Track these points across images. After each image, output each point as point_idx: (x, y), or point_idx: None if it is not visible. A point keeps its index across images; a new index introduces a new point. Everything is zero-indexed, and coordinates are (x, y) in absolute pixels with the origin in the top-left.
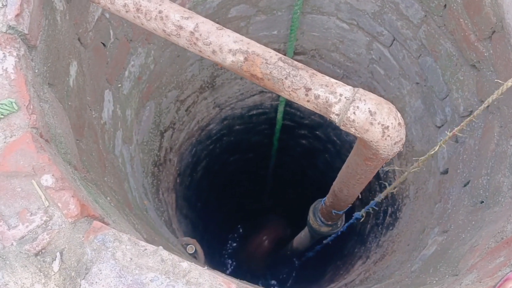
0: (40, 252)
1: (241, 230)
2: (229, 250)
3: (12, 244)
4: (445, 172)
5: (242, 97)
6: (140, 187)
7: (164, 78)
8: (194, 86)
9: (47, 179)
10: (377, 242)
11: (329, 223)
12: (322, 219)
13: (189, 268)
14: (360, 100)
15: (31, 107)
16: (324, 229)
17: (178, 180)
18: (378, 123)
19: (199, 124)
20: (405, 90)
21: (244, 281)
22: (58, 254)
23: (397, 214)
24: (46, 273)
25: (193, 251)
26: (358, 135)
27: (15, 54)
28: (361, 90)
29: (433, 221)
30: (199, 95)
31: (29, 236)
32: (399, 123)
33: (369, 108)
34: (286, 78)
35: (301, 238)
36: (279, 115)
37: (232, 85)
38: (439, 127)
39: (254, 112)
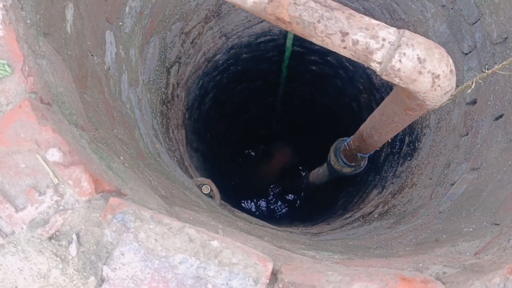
0: (54, 235)
1: (250, 155)
2: (240, 176)
3: (22, 228)
4: (473, 102)
5: (250, 24)
6: (150, 130)
7: (167, 10)
8: (199, 16)
9: (54, 154)
10: (394, 172)
11: (352, 164)
12: (345, 160)
13: (220, 247)
14: (407, 45)
15: (26, 68)
16: (347, 170)
17: (186, 115)
18: (428, 72)
19: (205, 56)
20: (429, 13)
21: (267, 225)
22: (74, 236)
23: (416, 144)
24: (63, 257)
25: (209, 191)
26: (403, 85)
27: (1, 5)
28: (407, 33)
29: (459, 155)
30: (205, 25)
31: (40, 218)
32: (451, 71)
33: (417, 55)
34: (318, 21)
35: (319, 174)
36: (289, 42)
37: (239, 12)
38: (466, 54)
39: (262, 39)
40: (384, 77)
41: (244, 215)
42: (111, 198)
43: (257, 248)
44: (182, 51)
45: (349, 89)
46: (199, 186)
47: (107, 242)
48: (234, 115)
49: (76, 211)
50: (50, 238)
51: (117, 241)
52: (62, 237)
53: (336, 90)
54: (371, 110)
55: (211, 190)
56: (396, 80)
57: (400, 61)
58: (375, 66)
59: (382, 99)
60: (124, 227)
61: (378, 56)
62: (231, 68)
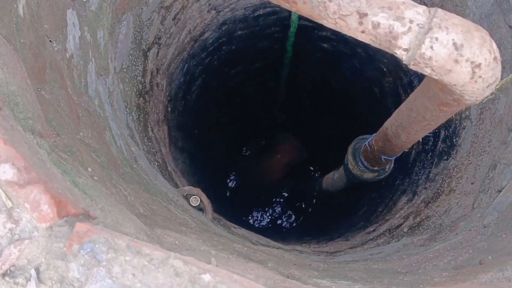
0: (9, 271)
1: (250, 153)
2: (237, 178)
3: None
4: None
5: None
6: (125, 129)
7: None
8: None
9: (6, 171)
10: (427, 174)
11: (375, 168)
12: (366, 163)
13: (213, 282)
14: (439, 27)
15: None
16: (368, 175)
17: (169, 108)
18: (466, 60)
19: (191, 34)
20: None
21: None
22: (33, 272)
23: (454, 140)
24: None
25: (198, 203)
26: (436, 77)
27: None
28: (440, 12)
29: (507, 154)
30: None
31: None
32: (494, 58)
33: (453, 40)
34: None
35: (334, 180)
36: (294, 15)
37: None
38: None
39: (261, 12)
40: (412, 67)
41: (243, 231)
42: (77, 224)
43: (259, 281)
44: (162, 30)
45: (369, 71)
46: (186, 197)
47: (74, 278)
48: (228, 105)
49: (35, 241)
50: (3, 275)
51: (86, 278)
52: (19, 273)
53: (353, 72)
54: (397, 97)
55: (200, 201)
56: (427, 71)
57: (431, 47)
58: (400, 54)
59: (411, 83)
60: (95, 259)
61: (404, 42)
62: (223, 48)
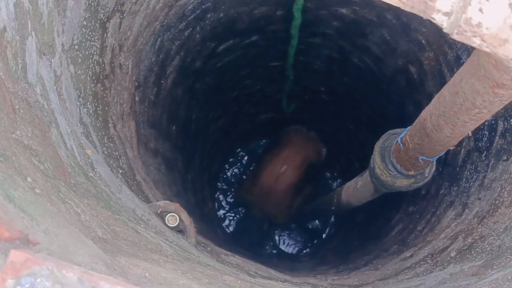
0: None
1: (244, 156)
2: (229, 190)
3: None
4: None
5: None
6: (77, 126)
7: None
8: None
9: None
10: (481, 180)
11: (411, 173)
12: (398, 166)
13: None
14: None
15: None
16: (402, 182)
17: (137, 97)
18: None
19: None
20: None
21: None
22: None
23: None
24: None
25: (177, 222)
26: (487, 49)
27: None
28: None
29: None
30: None
31: None
32: None
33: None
34: None
35: (357, 189)
36: None
37: None
38: None
39: None
40: (455, 37)
41: (237, 259)
42: (12, 252)
43: None
44: None
45: (403, 44)
46: (161, 215)
47: None
48: (217, 92)
49: None
50: None
51: None
52: None
53: (381, 46)
54: (440, 78)
55: (180, 220)
56: (475, 42)
57: (480, 10)
58: (440, 19)
59: (458, 59)
60: None
61: (444, 3)
62: (208, 16)
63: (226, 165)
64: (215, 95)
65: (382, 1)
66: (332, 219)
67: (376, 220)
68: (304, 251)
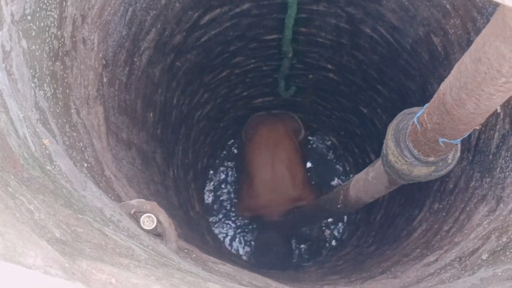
0: None
1: (235, 150)
2: (220, 187)
3: None
4: None
5: None
6: (32, 112)
7: None
8: None
9: None
10: None
11: (431, 159)
12: (416, 152)
13: None
14: None
15: None
16: (421, 170)
17: (105, 78)
18: None
19: None
20: None
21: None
22: None
23: None
24: None
25: (154, 224)
26: None
27: None
28: None
29: None
30: None
31: None
32: None
33: None
34: None
35: (368, 182)
36: None
37: None
38: None
39: None
40: None
41: (227, 267)
42: None
43: None
44: None
45: (425, 9)
46: (135, 216)
47: None
48: (202, 71)
49: None
50: None
51: None
52: None
53: (398, 12)
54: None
55: (158, 222)
56: None
57: None
58: None
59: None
60: None
61: None
62: None
63: (217, 160)
64: (200, 76)
65: None
66: (344, 223)
67: (395, 220)
68: (311, 261)
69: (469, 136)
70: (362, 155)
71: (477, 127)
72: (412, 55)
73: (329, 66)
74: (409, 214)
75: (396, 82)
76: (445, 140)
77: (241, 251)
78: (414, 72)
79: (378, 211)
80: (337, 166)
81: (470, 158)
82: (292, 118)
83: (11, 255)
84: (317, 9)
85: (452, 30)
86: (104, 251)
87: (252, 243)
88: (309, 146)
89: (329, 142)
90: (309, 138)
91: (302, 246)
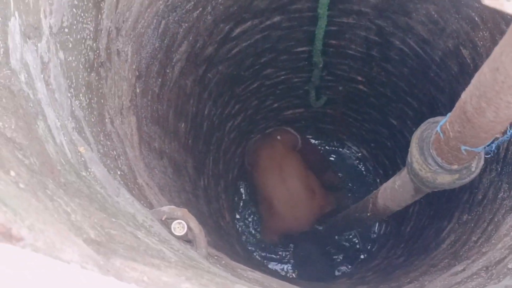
0: None
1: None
2: (250, 196)
3: None
4: None
5: None
6: (68, 120)
7: None
8: None
9: None
10: None
11: (454, 167)
12: (440, 160)
13: None
14: None
15: None
16: (444, 178)
17: (138, 89)
18: None
19: None
20: None
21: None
22: None
23: None
24: None
25: (184, 231)
26: None
27: None
28: None
29: None
30: None
31: None
32: None
33: None
34: None
35: (395, 190)
36: None
37: None
38: None
39: None
40: (486, 2)
41: (256, 275)
42: None
43: None
44: None
45: (453, 22)
46: (166, 223)
47: None
48: (233, 82)
49: None
50: None
51: None
52: None
53: (428, 25)
54: None
55: (188, 229)
56: (509, 8)
57: None
58: None
59: None
60: None
61: None
62: None
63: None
64: (231, 87)
65: None
66: (374, 233)
67: (424, 231)
68: (340, 271)
69: (498, 147)
70: (392, 167)
71: (499, 135)
72: (442, 67)
73: (359, 78)
74: (438, 225)
75: (426, 94)
76: (467, 148)
77: (279, 268)
78: (444, 84)
79: (408, 223)
80: (368, 178)
81: (499, 169)
82: (286, 131)
83: (50, 250)
84: (347, 22)
85: (481, 43)
86: (137, 252)
87: (290, 259)
88: (339, 157)
89: (360, 154)
90: (340, 150)
91: (336, 256)
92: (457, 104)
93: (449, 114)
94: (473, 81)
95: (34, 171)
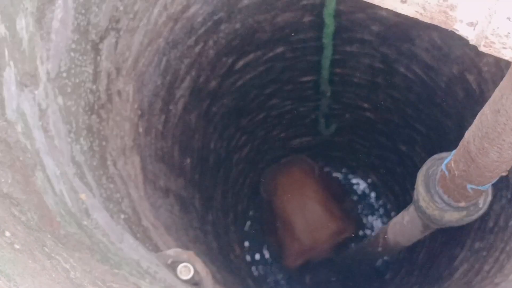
0: None
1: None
2: (258, 232)
3: None
4: None
5: None
6: (69, 167)
7: None
8: None
9: None
10: None
11: (461, 204)
12: (446, 197)
13: None
14: None
15: None
16: (452, 215)
17: (140, 128)
18: None
19: (167, 11)
20: None
21: None
22: None
23: None
24: None
25: (191, 274)
26: None
27: None
28: None
29: None
30: None
31: None
32: None
33: None
34: None
35: (403, 225)
36: None
37: None
38: None
39: None
40: (483, 49)
41: None
42: None
43: None
44: (121, 8)
45: (457, 48)
46: (172, 266)
47: None
48: (238, 114)
49: None
50: None
51: None
52: None
53: (431, 51)
54: None
55: (195, 272)
56: (506, 54)
57: (509, 18)
58: (464, 30)
59: None
60: None
61: (466, 12)
62: (222, 28)
63: (257, 200)
64: (237, 119)
65: (397, 11)
66: (380, 265)
67: (437, 259)
68: None
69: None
70: (403, 192)
71: (504, 174)
72: (447, 93)
73: (366, 105)
74: (451, 252)
75: (433, 119)
76: (473, 186)
77: None
78: (450, 110)
79: (421, 249)
80: (378, 205)
81: (509, 196)
82: (302, 159)
83: None
84: (351, 50)
85: (486, 68)
86: None
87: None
88: (349, 185)
89: (370, 180)
90: (349, 176)
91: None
92: (461, 143)
93: (453, 152)
94: (475, 121)
95: (31, 228)
